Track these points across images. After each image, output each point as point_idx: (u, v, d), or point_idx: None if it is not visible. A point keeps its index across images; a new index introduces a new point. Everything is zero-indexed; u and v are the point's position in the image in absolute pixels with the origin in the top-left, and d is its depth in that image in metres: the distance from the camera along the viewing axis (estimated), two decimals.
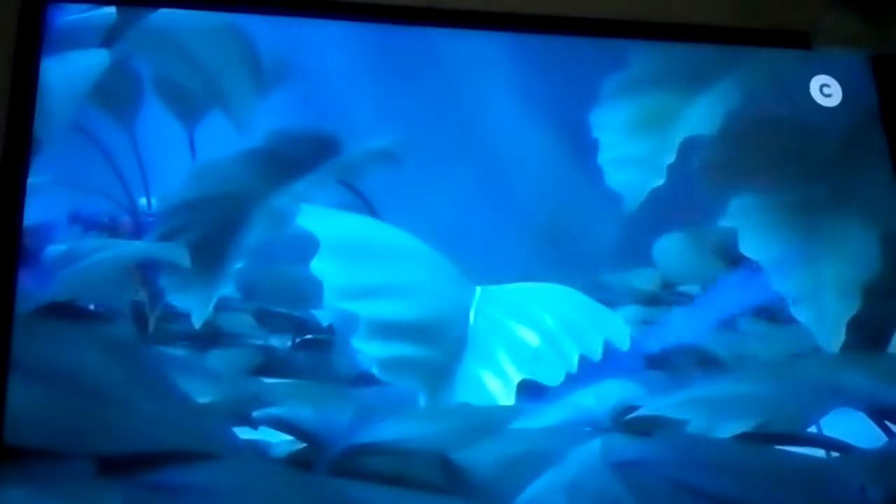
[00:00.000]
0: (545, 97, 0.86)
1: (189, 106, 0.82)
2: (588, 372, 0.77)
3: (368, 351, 0.74)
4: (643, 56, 0.89)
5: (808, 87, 0.90)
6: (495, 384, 0.75)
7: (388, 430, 0.72)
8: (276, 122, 0.82)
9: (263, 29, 0.85)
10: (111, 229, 0.77)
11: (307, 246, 0.77)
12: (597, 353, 0.77)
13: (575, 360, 0.77)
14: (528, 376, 0.76)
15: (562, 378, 0.76)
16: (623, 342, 0.78)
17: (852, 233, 0.86)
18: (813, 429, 0.78)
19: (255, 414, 0.71)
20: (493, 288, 0.79)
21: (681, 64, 0.90)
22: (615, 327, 0.78)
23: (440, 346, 0.76)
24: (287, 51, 0.84)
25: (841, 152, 0.89)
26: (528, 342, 0.77)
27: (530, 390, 0.76)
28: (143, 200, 0.78)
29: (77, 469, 0.67)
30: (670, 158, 0.86)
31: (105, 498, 0.66)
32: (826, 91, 0.90)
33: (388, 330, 0.75)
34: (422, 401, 0.74)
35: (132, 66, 0.82)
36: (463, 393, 0.75)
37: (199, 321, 0.73)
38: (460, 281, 0.78)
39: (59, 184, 0.77)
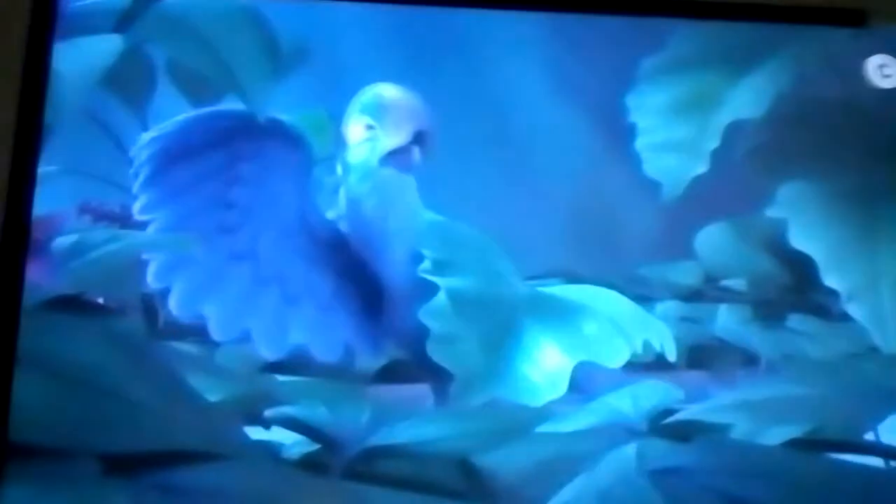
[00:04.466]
0: (579, 80, 0.84)
1: (203, 92, 0.81)
2: (625, 373, 0.75)
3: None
4: (683, 36, 0.86)
5: (864, 68, 0.87)
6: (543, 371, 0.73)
7: (407, 432, 0.70)
8: (293, 107, 0.80)
9: (281, 12, 0.83)
10: (122, 220, 0.76)
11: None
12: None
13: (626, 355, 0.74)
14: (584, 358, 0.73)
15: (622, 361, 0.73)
16: (669, 349, 0.75)
17: None
18: (870, 435, 0.75)
19: (268, 413, 0.70)
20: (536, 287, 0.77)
21: (724, 44, 0.87)
22: (659, 332, 0.75)
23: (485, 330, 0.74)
24: (305, 34, 0.83)
25: None
26: (579, 332, 0.75)
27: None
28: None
29: (83, 468, 0.67)
30: (714, 144, 0.83)
31: (111, 499, 0.66)
32: (885, 71, 0.87)
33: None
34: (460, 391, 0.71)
35: (146, 52, 0.82)
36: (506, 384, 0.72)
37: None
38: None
39: (68, 173, 0.77)
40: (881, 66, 0.87)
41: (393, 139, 0.77)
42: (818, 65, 0.87)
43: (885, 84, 0.86)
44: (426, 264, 0.76)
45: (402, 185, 0.77)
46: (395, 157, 0.77)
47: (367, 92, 0.78)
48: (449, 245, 0.77)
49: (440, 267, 0.76)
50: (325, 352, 0.73)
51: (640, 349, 0.74)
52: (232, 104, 0.80)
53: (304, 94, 0.81)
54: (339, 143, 0.78)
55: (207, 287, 0.73)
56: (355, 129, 0.77)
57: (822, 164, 0.84)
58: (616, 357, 0.74)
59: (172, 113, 0.80)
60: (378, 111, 0.77)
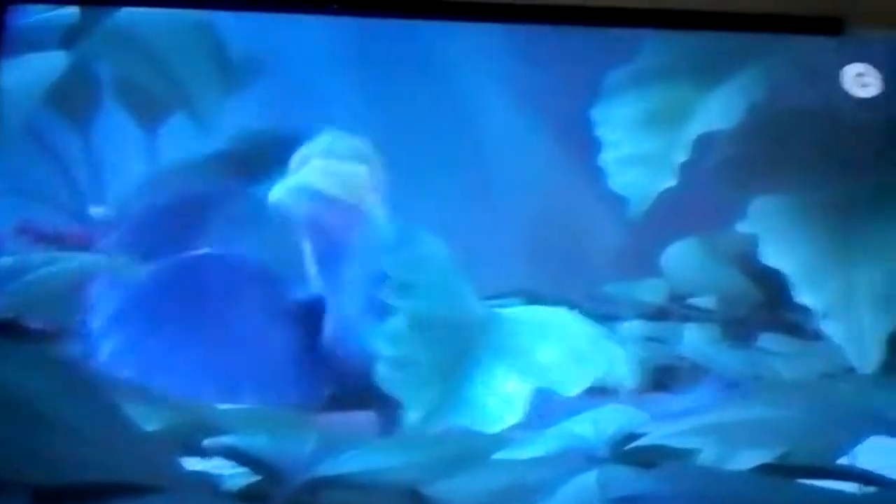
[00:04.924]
0: (543, 93, 0.82)
1: (151, 108, 0.79)
2: (586, 397, 0.72)
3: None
4: (652, 47, 0.85)
5: (840, 77, 0.84)
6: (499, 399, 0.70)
7: (354, 462, 0.68)
8: (245, 122, 0.79)
9: (234, 26, 0.82)
10: (61, 241, 0.74)
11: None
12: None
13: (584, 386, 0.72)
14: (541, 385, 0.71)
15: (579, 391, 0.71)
16: (630, 381, 0.72)
17: (891, 238, 0.79)
18: (844, 460, 0.72)
19: (206, 443, 0.67)
20: (495, 308, 0.75)
21: (695, 54, 0.85)
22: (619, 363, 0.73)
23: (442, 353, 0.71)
24: (259, 48, 0.81)
25: (879, 148, 0.82)
26: (536, 359, 0.72)
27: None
28: (95, 209, 0.75)
29: (11, 501, 0.64)
30: (682, 157, 0.81)
31: None
32: (862, 80, 0.84)
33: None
34: (411, 418, 0.69)
35: (91, 68, 0.80)
36: (461, 410, 0.70)
37: None
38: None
39: (7, 192, 0.75)
40: (858, 76, 0.85)
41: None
42: (792, 75, 0.85)
43: (863, 93, 0.84)
44: (390, 285, 0.73)
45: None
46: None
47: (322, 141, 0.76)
48: (412, 264, 0.75)
49: (402, 288, 0.74)
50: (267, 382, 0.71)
51: (597, 382, 0.71)
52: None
53: (257, 109, 0.79)
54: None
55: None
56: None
57: (795, 176, 0.82)
58: (573, 387, 0.71)
59: (117, 132, 0.79)
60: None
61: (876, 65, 0.86)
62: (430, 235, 0.76)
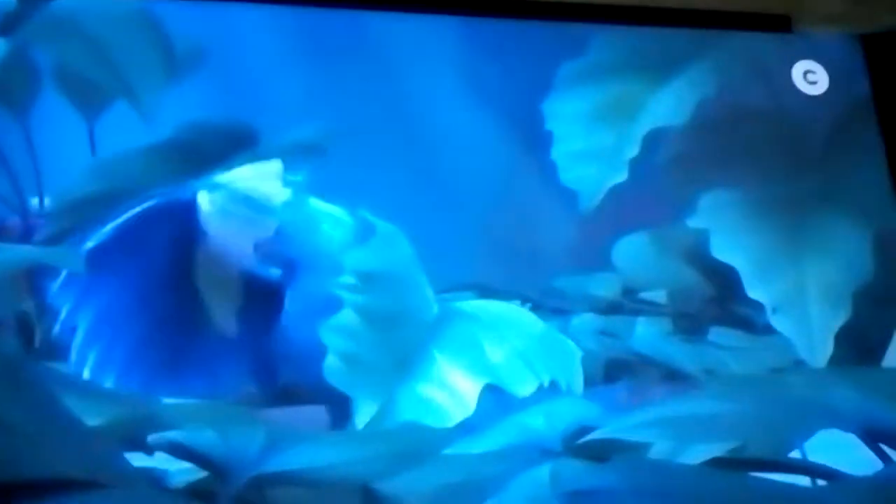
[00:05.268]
0: (493, 86, 0.82)
1: (92, 97, 0.78)
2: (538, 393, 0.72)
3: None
4: (603, 41, 0.85)
5: (790, 74, 0.86)
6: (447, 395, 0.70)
7: (303, 458, 0.67)
8: (187, 112, 0.78)
9: (177, 14, 0.81)
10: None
11: None
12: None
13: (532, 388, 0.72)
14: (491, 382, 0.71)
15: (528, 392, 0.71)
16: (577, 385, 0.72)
17: (841, 233, 0.81)
18: (796, 453, 0.73)
19: (151, 438, 0.66)
20: (447, 303, 0.74)
21: (646, 50, 0.86)
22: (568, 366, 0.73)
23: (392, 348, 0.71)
24: (203, 37, 0.80)
25: (828, 144, 0.84)
26: (486, 357, 0.72)
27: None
28: (34, 200, 0.74)
29: None
30: (633, 152, 0.81)
31: None
32: (811, 77, 0.86)
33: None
34: (362, 413, 0.68)
35: (30, 56, 0.78)
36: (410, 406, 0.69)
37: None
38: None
39: None
40: (807, 73, 0.86)
41: None
42: (742, 71, 0.87)
43: (812, 91, 0.86)
44: (346, 278, 0.73)
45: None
46: None
47: None
48: (370, 257, 0.74)
49: (358, 281, 0.73)
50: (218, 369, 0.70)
51: (545, 384, 0.71)
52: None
53: (199, 98, 0.78)
54: None
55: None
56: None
57: (745, 172, 0.83)
58: (522, 388, 0.71)
59: (57, 120, 0.77)
60: None
61: (824, 62, 0.87)
62: (390, 227, 0.75)
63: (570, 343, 0.75)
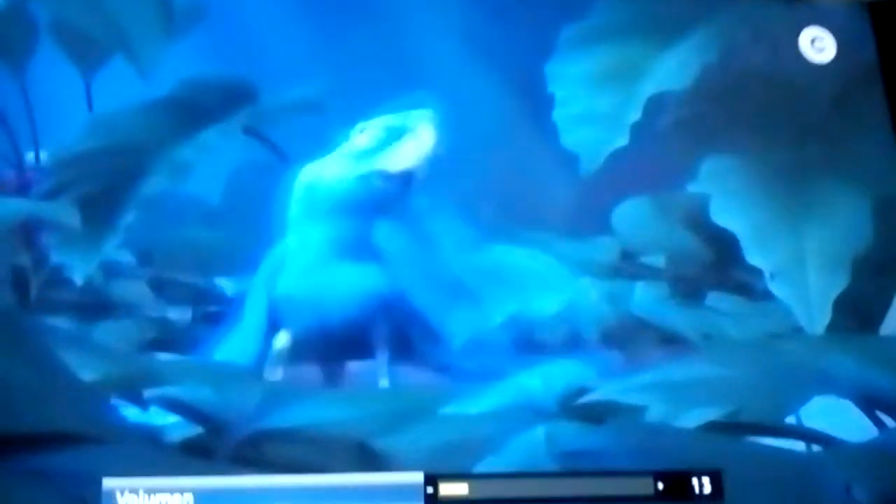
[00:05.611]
0: (495, 47, 0.82)
1: (89, 52, 0.78)
2: (535, 349, 0.73)
3: None
4: (607, 3, 0.85)
5: (796, 41, 0.86)
6: None
7: (300, 415, 0.68)
8: (186, 68, 0.78)
9: None
10: None
11: (209, 206, 0.72)
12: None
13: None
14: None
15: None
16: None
17: (842, 200, 0.81)
18: (792, 419, 0.73)
19: (147, 394, 0.67)
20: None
21: (650, 13, 0.85)
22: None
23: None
24: None
25: (832, 111, 0.84)
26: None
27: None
28: (30, 154, 0.74)
29: None
30: (635, 116, 0.81)
31: None
32: (818, 45, 0.86)
33: None
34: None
35: (28, 10, 0.78)
36: None
37: (82, 277, 0.69)
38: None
39: None
40: (815, 39, 0.86)
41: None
42: (747, 37, 0.86)
43: (819, 58, 0.85)
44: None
45: None
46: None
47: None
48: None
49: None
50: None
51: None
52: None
53: (198, 54, 0.78)
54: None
55: None
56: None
57: (748, 138, 0.83)
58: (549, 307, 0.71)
59: (54, 75, 0.77)
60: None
61: (831, 30, 0.87)
62: None
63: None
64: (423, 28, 0.83)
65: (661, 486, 0.70)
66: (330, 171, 0.76)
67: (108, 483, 0.65)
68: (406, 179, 0.76)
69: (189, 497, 0.65)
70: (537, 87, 0.82)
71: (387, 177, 0.76)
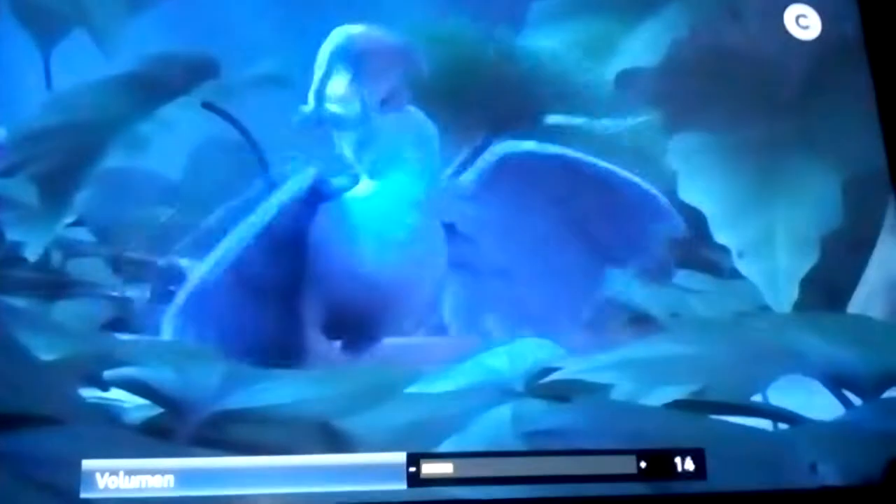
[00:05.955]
0: (465, 22, 0.81)
1: (48, 26, 0.76)
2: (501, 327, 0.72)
3: None
4: None
5: (780, 17, 0.85)
6: None
7: (263, 395, 0.67)
8: (148, 43, 0.76)
9: None
10: None
11: (168, 182, 0.71)
12: None
13: None
14: None
15: None
16: None
17: (812, 178, 0.81)
18: (758, 397, 0.73)
19: (107, 374, 0.66)
20: None
21: None
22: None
23: None
24: None
25: (806, 88, 0.84)
26: None
27: None
28: None
29: None
30: (605, 92, 0.81)
31: None
32: (802, 22, 0.85)
33: None
34: None
35: None
36: None
37: (35, 254, 0.68)
38: None
39: None
40: (799, 17, 0.85)
41: (382, 85, 0.73)
42: (717, 12, 0.86)
43: (804, 35, 0.85)
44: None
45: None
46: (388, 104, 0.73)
47: (335, 37, 0.74)
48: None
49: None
50: None
51: None
52: None
53: (161, 30, 0.77)
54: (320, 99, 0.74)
55: None
56: (337, 83, 0.73)
57: (718, 115, 0.82)
58: None
59: (13, 49, 0.76)
60: (357, 59, 0.73)
61: (816, 6, 0.87)
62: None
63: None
64: (391, 6, 0.82)
65: (643, 464, 0.70)
66: None
67: (88, 464, 0.64)
68: None
69: (170, 478, 0.65)
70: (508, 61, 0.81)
71: None
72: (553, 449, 0.69)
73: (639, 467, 0.70)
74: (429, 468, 0.68)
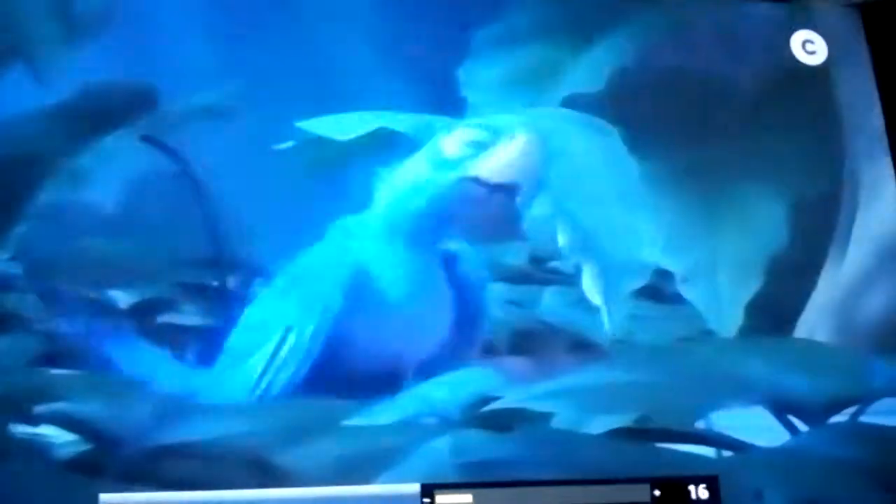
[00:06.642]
0: (409, 50, 0.81)
1: None
2: (441, 358, 0.72)
3: None
4: (520, 6, 0.84)
5: (788, 43, 0.85)
6: None
7: (196, 430, 0.66)
8: (86, 74, 0.76)
9: None
10: None
11: (106, 215, 0.71)
12: None
13: None
14: None
15: None
16: None
17: (757, 202, 0.81)
18: (702, 424, 0.72)
19: (37, 409, 0.65)
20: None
21: (564, 15, 0.85)
22: None
23: None
24: None
25: (748, 115, 0.84)
26: None
27: None
28: None
29: None
30: None
31: None
32: (809, 47, 0.86)
33: None
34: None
35: None
36: None
37: None
38: None
39: None
40: (805, 42, 0.86)
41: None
42: (663, 37, 0.86)
43: (811, 60, 0.85)
44: None
45: None
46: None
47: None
48: None
49: None
50: None
51: None
52: None
53: (100, 61, 0.77)
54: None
55: None
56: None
57: (662, 140, 0.82)
58: None
59: None
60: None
61: (823, 33, 0.87)
62: None
63: None
64: (335, 31, 0.82)
65: (657, 493, 0.69)
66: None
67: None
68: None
69: None
70: (450, 90, 0.81)
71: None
72: (494, 480, 0.69)
73: (653, 496, 0.69)
74: (443, 499, 0.67)
